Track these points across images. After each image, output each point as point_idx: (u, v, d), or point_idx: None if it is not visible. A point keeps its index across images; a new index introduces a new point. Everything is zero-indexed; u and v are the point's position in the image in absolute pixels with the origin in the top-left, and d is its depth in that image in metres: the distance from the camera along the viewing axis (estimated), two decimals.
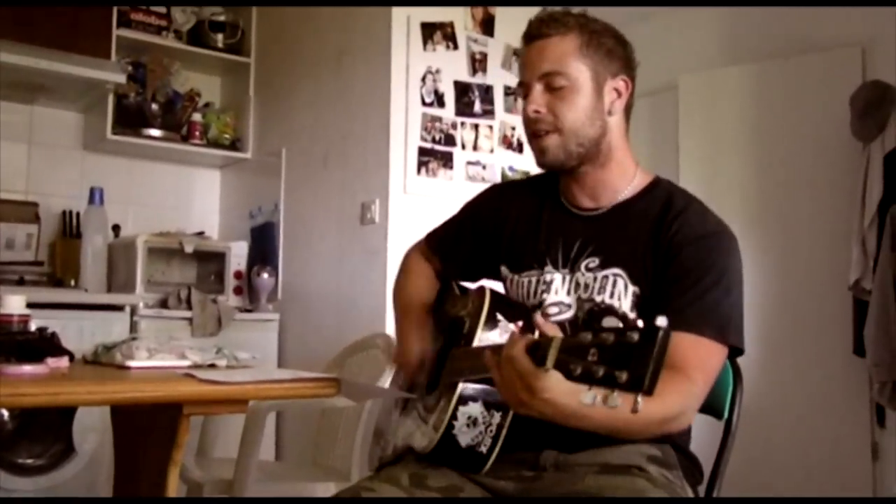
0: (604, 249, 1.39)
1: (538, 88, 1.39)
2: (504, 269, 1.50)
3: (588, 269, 1.39)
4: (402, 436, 1.44)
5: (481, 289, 1.42)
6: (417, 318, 1.56)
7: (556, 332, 1.02)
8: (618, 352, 0.88)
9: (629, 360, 0.87)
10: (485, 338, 1.33)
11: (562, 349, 0.97)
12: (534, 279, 1.44)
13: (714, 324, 1.29)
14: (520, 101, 1.56)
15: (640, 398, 0.87)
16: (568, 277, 1.41)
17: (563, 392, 1.03)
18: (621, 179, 1.44)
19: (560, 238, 1.44)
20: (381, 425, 1.63)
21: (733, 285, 1.34)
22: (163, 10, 3.75)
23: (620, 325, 0.89)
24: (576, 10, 1.44)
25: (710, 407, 1.53)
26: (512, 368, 1.06)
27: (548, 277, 1.43)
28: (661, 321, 0.87)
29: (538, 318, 1.11)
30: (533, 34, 1.41)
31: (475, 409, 1.30)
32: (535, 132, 1.41)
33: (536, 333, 1.06)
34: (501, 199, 1.58)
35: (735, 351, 1.34)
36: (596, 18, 1.44)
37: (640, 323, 0.88)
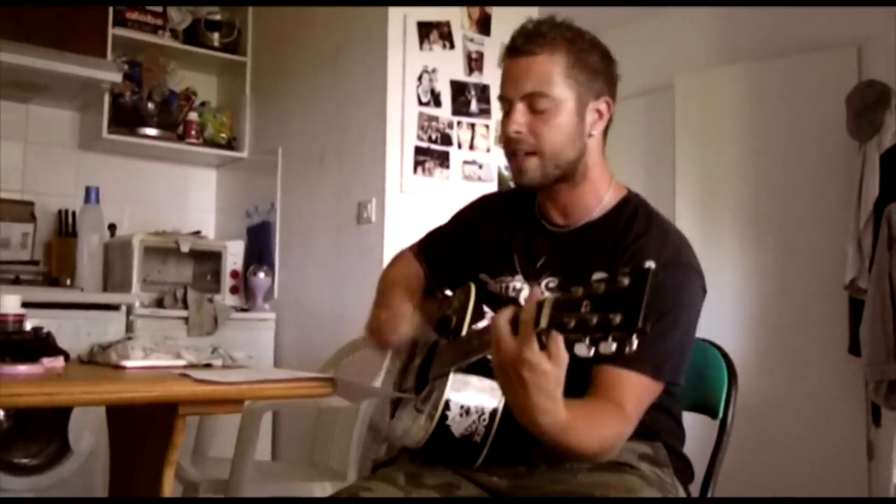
0: (562, 270, 1.40)
1: (520, 108, 1.36)
2: (484, 276, 1.51)
3: (548, 289, 1.40)
4: (397, 432, 1.44)
5: (466, 285, 1.42)
6: (399, 292, 1.53)
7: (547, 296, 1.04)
8: (610, 298, 0.91)
9: (622, 303, 0.90)
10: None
11: (555, 307, 0.99)
12: (506, 285, 1.46)
13: (652, 362, 1.26)
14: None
15: (634, 338, 0.90)
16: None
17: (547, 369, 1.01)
18: (593, 198, 1.43)
19: (528, 252, 1.46)
20: (376, 421, 1.63)
21: (681, 320, 1.30)
22: (159, 8, 3.74)
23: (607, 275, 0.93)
24: (561, 18, 1.40)
25: (705, 406, 1.53)
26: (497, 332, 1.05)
27: (517, 285, 1.44)
28: (650, 263, 0.90)
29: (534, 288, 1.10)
30: (520, 49, 1.36)
31: (467, 398, 1.30)
32: (513, 152, 1.39)
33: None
34: (484, 210, 1.60)
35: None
36: (583, 32, 1.39)
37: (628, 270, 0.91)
